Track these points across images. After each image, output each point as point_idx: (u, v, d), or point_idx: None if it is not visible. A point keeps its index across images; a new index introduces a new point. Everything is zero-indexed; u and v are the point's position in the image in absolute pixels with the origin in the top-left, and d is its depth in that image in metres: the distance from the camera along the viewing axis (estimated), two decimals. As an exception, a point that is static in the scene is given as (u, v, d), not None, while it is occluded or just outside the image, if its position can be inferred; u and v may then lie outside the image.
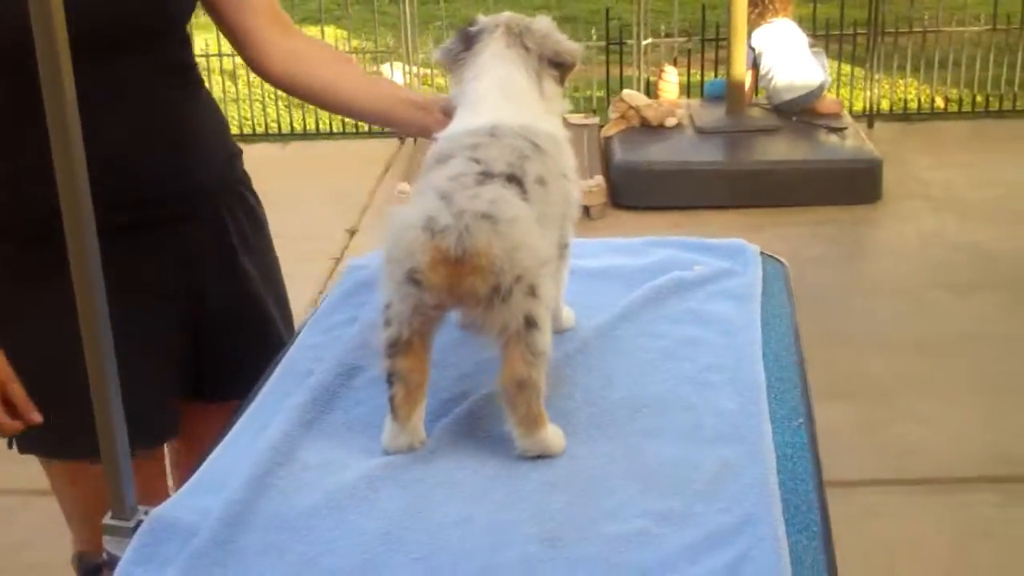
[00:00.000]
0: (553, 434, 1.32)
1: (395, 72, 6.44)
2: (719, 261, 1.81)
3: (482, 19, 1.56)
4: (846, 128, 5.41)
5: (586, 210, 4.97)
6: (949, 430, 3.38)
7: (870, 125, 6.02)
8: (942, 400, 3.55)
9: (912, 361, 3.80)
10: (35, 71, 1.13)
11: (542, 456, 1.31)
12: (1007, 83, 6.22)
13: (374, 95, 1.81)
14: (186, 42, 1.76)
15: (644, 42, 6.01)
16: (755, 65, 5.48)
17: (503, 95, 1.49)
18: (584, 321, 1.62)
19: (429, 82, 6.67)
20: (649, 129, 5.46)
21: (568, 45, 1.56)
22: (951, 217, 4.97)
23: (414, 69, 6.32)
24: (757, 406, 1.40)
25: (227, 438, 1.40)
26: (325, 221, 5.19)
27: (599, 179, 5.15)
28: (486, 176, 1.30)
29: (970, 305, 4.17)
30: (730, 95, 5.44)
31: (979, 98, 6.23)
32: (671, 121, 5.48)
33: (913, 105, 6.30)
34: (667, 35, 6.27)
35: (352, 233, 5.10)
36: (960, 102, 6.24)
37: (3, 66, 1.52)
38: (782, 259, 1.86)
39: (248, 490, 1.25)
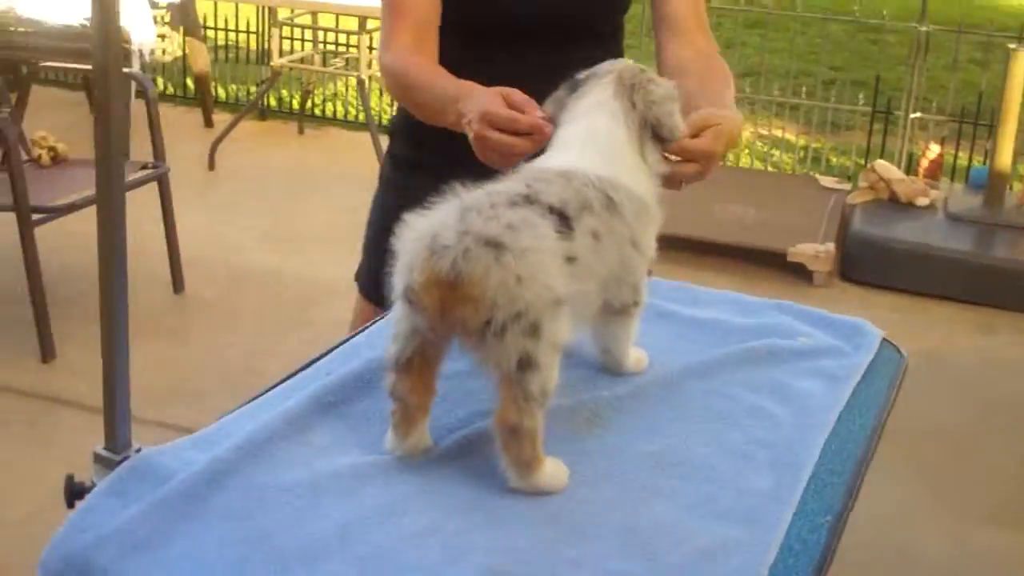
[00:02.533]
0: (551, 474, 1.25)
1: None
2: (830, 338, 1.68)
3: (600, 66, 1.49)
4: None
5: (810, 275, 4.79)
6: None
7: None
8: None
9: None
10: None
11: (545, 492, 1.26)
12: None
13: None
14: (620, 32, 1.97)
15: (912, 115, 5.71)
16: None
17: (593, 143, 1.40)
18: (654, 367, 1.54)
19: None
20: (897, 205, 5.18)
21: (672, 120, 1.44)
22: None
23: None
24: (789, 492, 1.29)
25: (256, 401, 1.42)
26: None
27: (830, 246, 4.93)
28: (526, 200, 1.23)
29: None
30: (991, 184, 5.08)
31: None
32: (922, 200, 5.17)
33: None
34: (938, 111, 5.93)
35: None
36: None
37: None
38: (903, 350, 1.71)
39: (239, 452, 1.26)
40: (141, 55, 5.38)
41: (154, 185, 4.08)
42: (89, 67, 3.73)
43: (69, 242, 4.01)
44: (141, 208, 3.48)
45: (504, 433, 1.21)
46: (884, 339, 1.70)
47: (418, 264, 1.18)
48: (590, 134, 1.41)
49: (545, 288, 1.18)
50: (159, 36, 5.83)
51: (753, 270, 4.82)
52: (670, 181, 1.46)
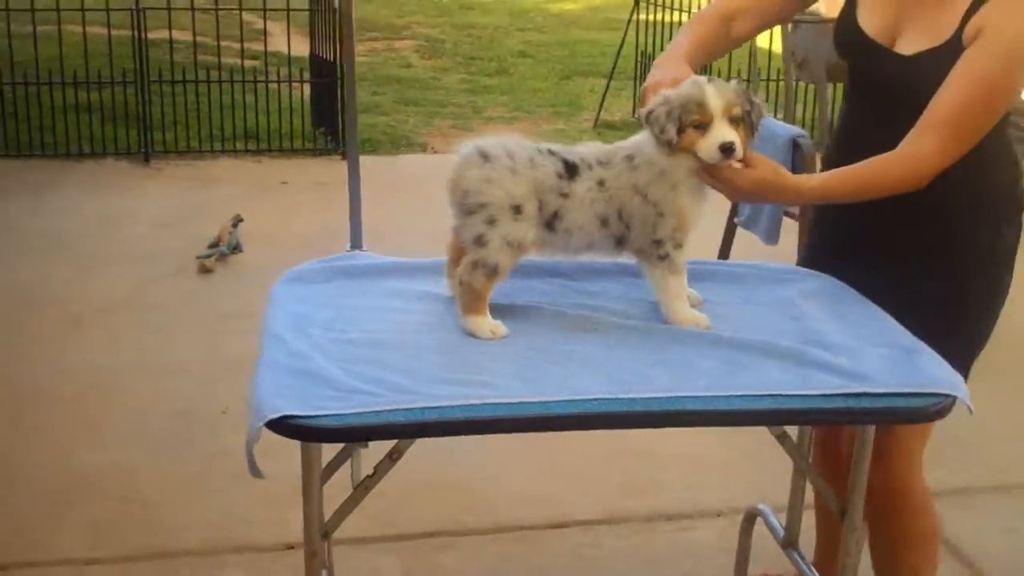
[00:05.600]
0: (481, 324, 1.79)
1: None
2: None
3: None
4: None
5: None
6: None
7: None
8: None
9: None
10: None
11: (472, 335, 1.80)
12: None
13: None
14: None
15: None
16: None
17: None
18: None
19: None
20: None
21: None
22: None
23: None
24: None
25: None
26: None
27: None
28: (551, 153, 1.82)
29: None
30: None
31: None
32: None
33: None
34: None
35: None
36: None
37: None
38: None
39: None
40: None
41: None
42: None
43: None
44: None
45: (461, 284, 1.80)
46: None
47: (452, 166, 1.81)
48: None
49: (507, 194, 1.76)
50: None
51: None
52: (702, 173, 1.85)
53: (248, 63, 7.19)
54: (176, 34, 7.90)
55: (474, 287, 1.78)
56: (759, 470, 2.99)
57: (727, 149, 1.78)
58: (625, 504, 3.00)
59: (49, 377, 3.75)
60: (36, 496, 3.01)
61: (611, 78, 8.21)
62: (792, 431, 1.93)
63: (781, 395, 1.63)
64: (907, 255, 2.00)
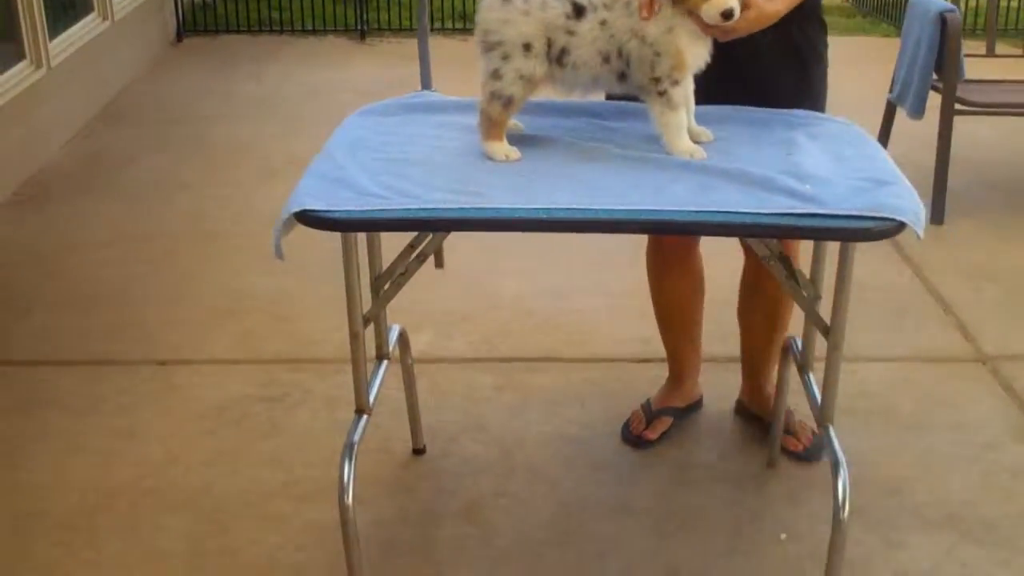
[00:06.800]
0: (497, 148, 2.06)
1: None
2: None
3: None
4: None
5: None
6: None
7: None
8: None
9: None
10: None
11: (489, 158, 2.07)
12: None
13: None
14: None
15: None
16: None
17: None
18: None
19: None
20: None
21: None
22: None
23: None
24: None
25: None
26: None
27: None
28: None
29: None
30: None
31: None
32: None
33: None
34: None
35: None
36: None
37: None
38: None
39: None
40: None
41: None
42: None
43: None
44: None
45: (481, 113, 2.08)
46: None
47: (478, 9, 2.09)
48: None
49: (519, 33, 2.02)
50: None
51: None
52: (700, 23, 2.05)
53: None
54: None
55: (491, 115, 2.06)
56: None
57: (728, 15, 1.99)
58: (710, 350, 3.22)
59: (237, 216, 4.30)
60: (203, 308, 3.55)
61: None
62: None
63: (733, 211, 1.84)
64: (770, 59, 2.40)
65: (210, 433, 2.88)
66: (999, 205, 4.47)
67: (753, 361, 2.88)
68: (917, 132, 4.46)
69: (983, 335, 3.39)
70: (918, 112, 4.20)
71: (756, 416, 2.91)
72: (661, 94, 2.05)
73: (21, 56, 4.87)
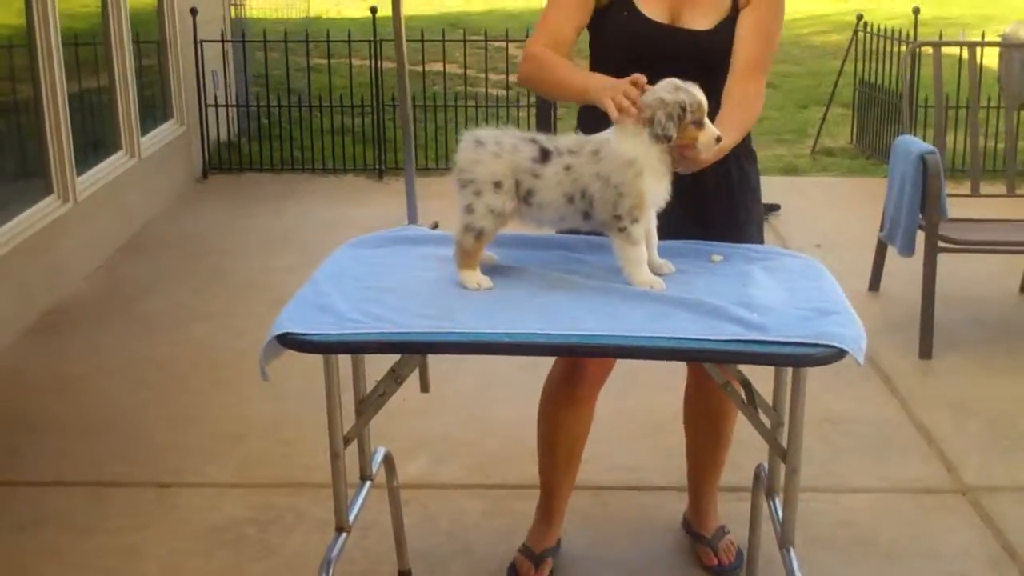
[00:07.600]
0: (470, 277, 2.21)
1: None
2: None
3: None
4: None
5: None
6: None
7: None
8: None
9: None
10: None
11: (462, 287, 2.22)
12: None
13: None
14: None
15: None
16: None
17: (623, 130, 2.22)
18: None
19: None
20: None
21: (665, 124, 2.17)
22: None
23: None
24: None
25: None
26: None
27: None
28: (533, 141, 2.21)
29: None
30: None
31: None
32: None
33: None
34: None
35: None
36: None
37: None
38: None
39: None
40: None
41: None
42: None
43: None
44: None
45: (455, 244, 2.23)
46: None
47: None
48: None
49: (490, 172, 2.20)
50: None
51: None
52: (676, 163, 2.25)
53: (492, 91, 7.92)
54: (434, 66, 8.73)
55: (465, 247, 2.22)
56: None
57: (718, 139, 2.21)
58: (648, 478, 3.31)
59: (248, 345, 4.44)
60: (208, 433, 3.68)
61: (829, 105, 8.33)
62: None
63: (683, 338, 1.96)
64: (720, 196, 2.62)
65: (205, 554, 2.98)
66: (986, 340, 4.56)
67: (695, 477, 2.99)
68: (911, 269, 4.58)
69: (965, 466, 3.46)
70: (908, 250, 4.35)
71: (699, 535, 2.98)
72: (622, 230, 2.20)
73: (49, 191, 5.12)
